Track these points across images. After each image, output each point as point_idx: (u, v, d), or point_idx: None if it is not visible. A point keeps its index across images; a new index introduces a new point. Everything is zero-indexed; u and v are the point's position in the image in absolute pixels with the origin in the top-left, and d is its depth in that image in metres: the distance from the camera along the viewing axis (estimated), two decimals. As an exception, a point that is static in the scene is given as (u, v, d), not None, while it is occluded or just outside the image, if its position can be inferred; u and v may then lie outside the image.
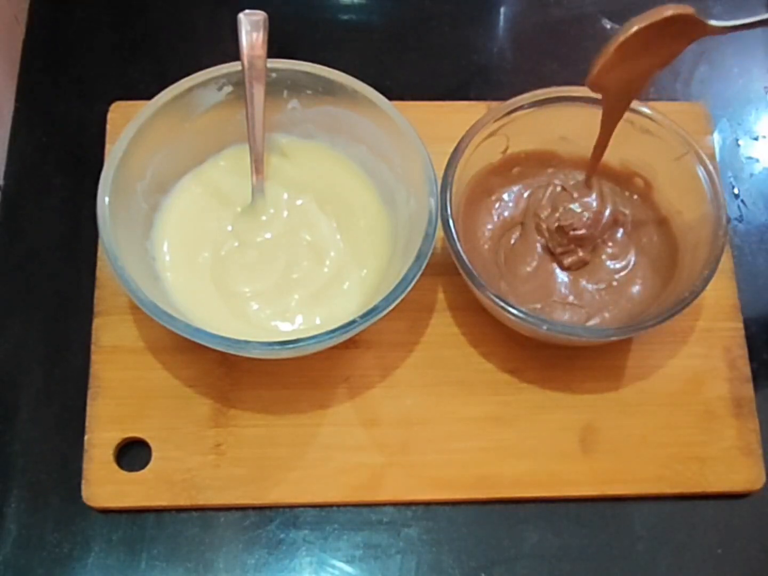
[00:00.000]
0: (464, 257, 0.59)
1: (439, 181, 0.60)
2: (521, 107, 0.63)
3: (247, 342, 0.55)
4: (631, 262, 0.64)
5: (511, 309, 0.57)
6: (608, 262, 0.64)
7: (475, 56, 0.77)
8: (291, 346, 0.55)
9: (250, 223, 0.64)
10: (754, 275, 0.69)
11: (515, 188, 0.66)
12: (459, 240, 0.59)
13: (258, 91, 0.61)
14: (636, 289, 0.64)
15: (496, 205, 0.66)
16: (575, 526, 0.61)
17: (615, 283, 0.64)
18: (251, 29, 0.60)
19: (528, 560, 0.60)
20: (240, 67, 0.61)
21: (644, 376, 0.64)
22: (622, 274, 0.64)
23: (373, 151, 0.65)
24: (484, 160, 0.65)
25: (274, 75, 0.62)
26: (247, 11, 0.60)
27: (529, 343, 0.63)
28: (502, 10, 0.79)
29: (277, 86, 0.63)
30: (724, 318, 0.66)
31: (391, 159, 0.63)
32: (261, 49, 0.61)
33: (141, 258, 0.61)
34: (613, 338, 0.60)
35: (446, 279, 0.65)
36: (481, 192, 0.65)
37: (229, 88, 0.63)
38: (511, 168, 0.66)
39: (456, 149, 0.61)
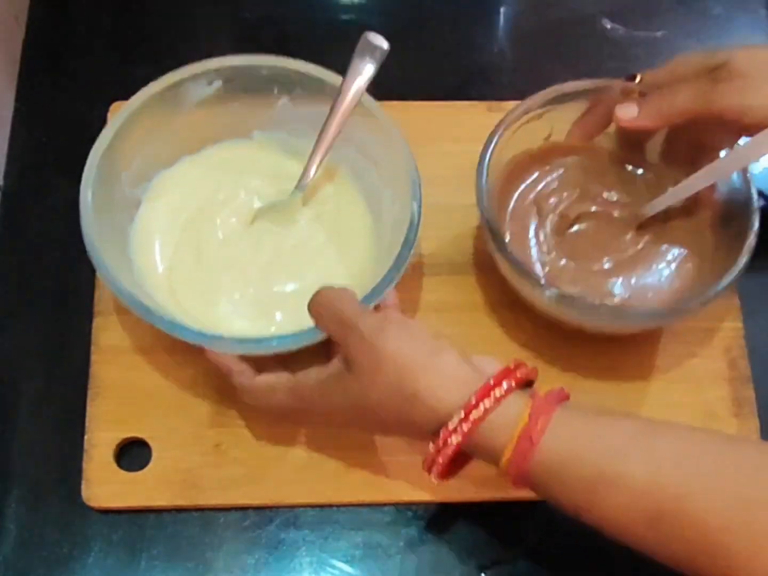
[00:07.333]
0: (503, 240, 0.58)
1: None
2: (570, 96, 0.63)
3: (221, 337, 0.55)
4: (665, 252, 0.64)
5: (547, 292, 0.57)
6: (644, 251, 0.64)
7: (475, 56, 0.77)
8: (265, 343, 0.55)
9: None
10: (755, 275, 0.68)
11: (553, 175, 0.65)
12: (495, 221, 0.59)
13: (338, 121, 0.61)
14: (668, 277, 0.63)
15: (534, 190, 0.65)
16: (575, 526, 0.61)
17: (650, 270, 0.63)
18: (371, 60, 0.60)
19: (528, 560, 0.60)
20: (230, 63, 0.62)
21: (644, 377, 0.64)
22: (658, 265, 0.63)
23: (361, 152, 0.64)
24: (525, 144, 0.64)
25: (264, 72, 0.62)
26: (374, 34, 0.60)
27: (529, 343, 0.63)
28: (502, 10, 0.79)
29: (267, 83, 0.63)
30: (724, 318, 0.66)
31: (378, 161, 0.63)
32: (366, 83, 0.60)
33: (123, 250, 0.62)
34: (649, 324, 0.60)
35: (447, 278, 0.66)
36: (518, 176, 0.65)
37: (218, 83, 0.62)
38: (551, 156, 0.65)
39: (496, 128, 0.61)
